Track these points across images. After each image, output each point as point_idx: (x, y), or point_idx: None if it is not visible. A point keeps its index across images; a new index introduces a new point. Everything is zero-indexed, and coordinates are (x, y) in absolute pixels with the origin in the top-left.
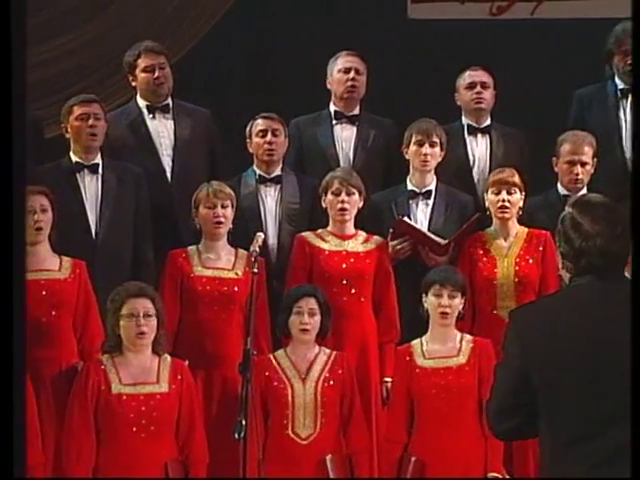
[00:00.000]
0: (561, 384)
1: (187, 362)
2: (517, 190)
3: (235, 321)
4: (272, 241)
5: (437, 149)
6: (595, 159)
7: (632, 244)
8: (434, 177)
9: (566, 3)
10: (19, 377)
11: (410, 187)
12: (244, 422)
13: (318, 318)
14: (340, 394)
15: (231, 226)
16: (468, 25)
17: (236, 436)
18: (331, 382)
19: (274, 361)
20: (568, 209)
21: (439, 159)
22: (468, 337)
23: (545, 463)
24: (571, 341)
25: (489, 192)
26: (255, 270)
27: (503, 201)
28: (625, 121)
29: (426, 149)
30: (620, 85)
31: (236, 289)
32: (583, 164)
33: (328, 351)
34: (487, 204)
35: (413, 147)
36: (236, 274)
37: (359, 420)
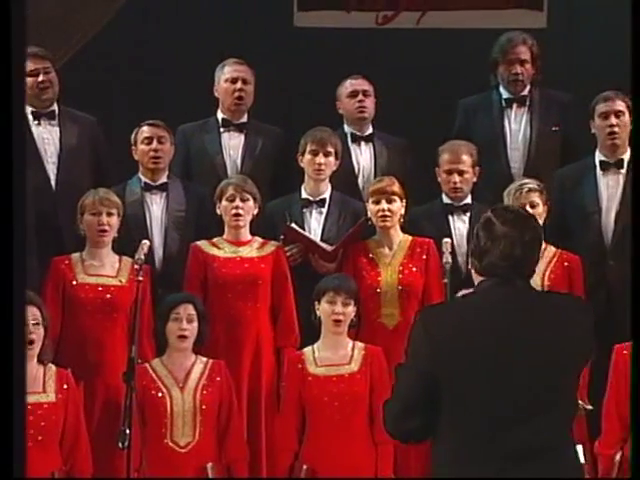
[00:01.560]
0: (467, 384)
1: (69, 370)
2: (397, 199)
3: (119, 329)
4: (158, 249)
5: (331, 158)
6: (476, 168)
7: (632, 244)
8: (328, 185)
9: (451, 13)
10: (19, 377)
11: (304, 195)
12: (128, 431)
13: (196, 325)
14: (218, 402)
15: (116, 234)
16: (355, 34)
17: (120, 445)
18: (209, 390)
19: (150, 370)
20: (489, 212)
21: (334, 168)
22: (360, 345)
23: (443, 462)
24: (478, 342)
25: (369, 201)
26: (140, 278)
27: (383, 210)
28: (509, 130)
29: (320, 158)
30: (505, 94)
31: (120, 297)
32: (461, 173)
33: (205, 359)
34: (369, 213)
35: (308, 156)
36: (120, 282)
37: (236, 428)
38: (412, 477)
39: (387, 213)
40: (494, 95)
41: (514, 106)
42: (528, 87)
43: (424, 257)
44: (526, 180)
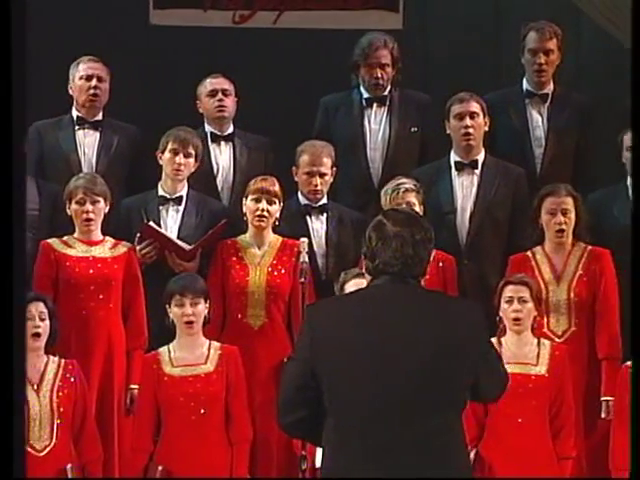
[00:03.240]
0: (344, 378)
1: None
2: (277, 200)
3: None
4: None
5: (191, 160)
6: (334, 169)
7: (632, 244)
8: (185, 184)
9: (307, 13)
10: (19, 377)
11: (161, 193)
12: None
13: (48, 323)
14: (73, 403)
15: None
16: (213, 32)
17: None
18: (65, 391)
19: None
20: (379, 214)
21: (192, 169)
22: (216, 344)
23: (326, 457)
24: (356, 336)
25: (249, 199)
26: None
27: (262, 210)
28: (369, 130)
29: (180, 159)
30: (365, 94)
31: None
32: (322, 175)
33: (57, 359)
34: (244, 210)
35: (168, 155)
36: None
37: (91, 429)
38: (275, 477)
39: (265, 214)
40: (355, 94)
41: (374, 106)
42: (388, 88)
43: (293, 259)
44: (403, 180)
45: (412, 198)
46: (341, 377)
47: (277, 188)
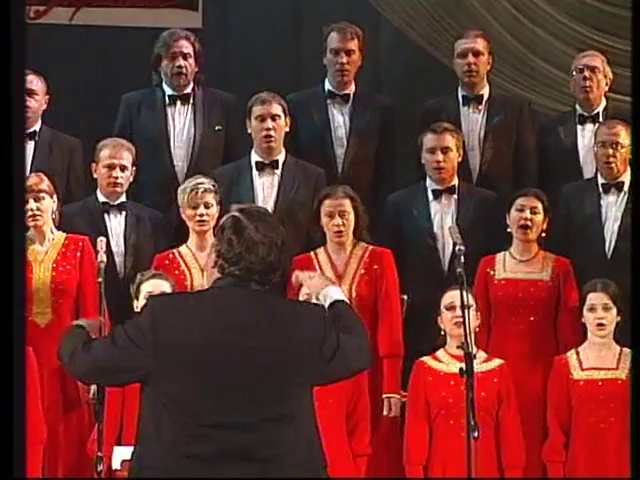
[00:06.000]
0: (181, 379)
1: None
2: (46, 196)
3: None
4: None
5: None
6: (134, 168)
7: (632, 244)
8: None
9: (105, 10)
10: (19, 377)
11: None
12: None
13: None
14: None
15: None
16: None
17: None
18: None
19: None
20: (234, 212)
21: None
22: None
23: (138, 454)
24: (198, 341)
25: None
26: None
27: (32, 210)
28: (173, 128)
29: None
30: (168, 91)
31: None
32: (123, 168)
33: None
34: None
35: None
36: None
37: None
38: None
39: (37, 212)
40: (157, 92)
41: (178, 104)
42: (192, 85)
43: (78, 254)
44: (202, 180)
45: (210, 198)
46: (179, 377)
47: (44, 185)
